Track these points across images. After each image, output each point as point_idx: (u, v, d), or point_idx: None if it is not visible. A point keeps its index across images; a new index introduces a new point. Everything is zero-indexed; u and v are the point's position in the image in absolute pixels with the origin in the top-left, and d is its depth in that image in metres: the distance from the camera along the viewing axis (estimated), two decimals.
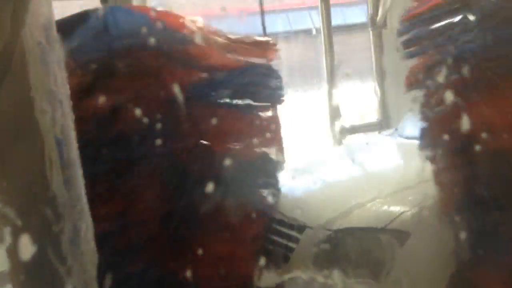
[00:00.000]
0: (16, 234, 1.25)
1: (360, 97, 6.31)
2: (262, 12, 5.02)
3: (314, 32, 5.96)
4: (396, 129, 3.81)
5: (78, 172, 1.55)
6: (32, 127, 1.33)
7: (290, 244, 2.74)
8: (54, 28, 1.62)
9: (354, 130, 5.29)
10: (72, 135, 1.53)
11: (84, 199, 1.48)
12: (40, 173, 1.32)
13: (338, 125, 5.24)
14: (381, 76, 5.47)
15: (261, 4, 5.01)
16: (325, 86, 5.35)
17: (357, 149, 3.84)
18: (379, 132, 4.15)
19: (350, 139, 5.18)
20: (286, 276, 2.68)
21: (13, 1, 1.32)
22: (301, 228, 2.74)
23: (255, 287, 2.62)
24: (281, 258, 2.75)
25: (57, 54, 1.59)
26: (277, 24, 6.11)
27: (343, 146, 4.83)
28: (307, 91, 6.90)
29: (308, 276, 2.59)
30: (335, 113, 5.27)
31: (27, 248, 1.20)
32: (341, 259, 2.55)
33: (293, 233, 2.76)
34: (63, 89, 1.58)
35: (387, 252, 2.48)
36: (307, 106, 6.57)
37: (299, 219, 2.78)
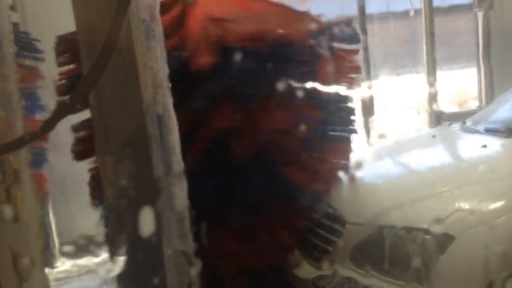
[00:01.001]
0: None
1: (462, 83, 6.00)
2: None
3: (412, 13, 5.73)
4: (464, 122, 3.60)
5: (178, 150, 1.56)
6: (135, 102, 1.34)
7: (332, 237, 2.65)
8: (158, 7, 1.63)
9: (454, 116, 5.04)
10: (172, 114, 1.53)
11: (184, 179, 1.48)
12: (142, 150, 1.33)
13: (434, 110, 5.02)
14: (487, 61, 5.15)
15: None
16: (422, 70, 5.14)
17: (446, 137, 3.66)
18: (449, 124, 3.89)
19: (446, 125, 4.94)
20: (324, 270, 2.60)
21: None
22: (344, 222, 2.63)
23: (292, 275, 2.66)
24: (321, 250, 2.68)
25: (159, 33, 1.60)
26: (373, 5, 5.93)
27: (432, 133, 4.62)
28: (401, 74, 6.67)
29: (345, 272, 2.50)
30: (432, 98, 5.05)
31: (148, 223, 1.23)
32: (379, 258, 2.44)
33: (336, 226, 2.66)
34: (163, 69, 1.59)
35: (428, 255, 2.34)
36: (401, 89, 6.36)
37: (347, 211, 2.68)
